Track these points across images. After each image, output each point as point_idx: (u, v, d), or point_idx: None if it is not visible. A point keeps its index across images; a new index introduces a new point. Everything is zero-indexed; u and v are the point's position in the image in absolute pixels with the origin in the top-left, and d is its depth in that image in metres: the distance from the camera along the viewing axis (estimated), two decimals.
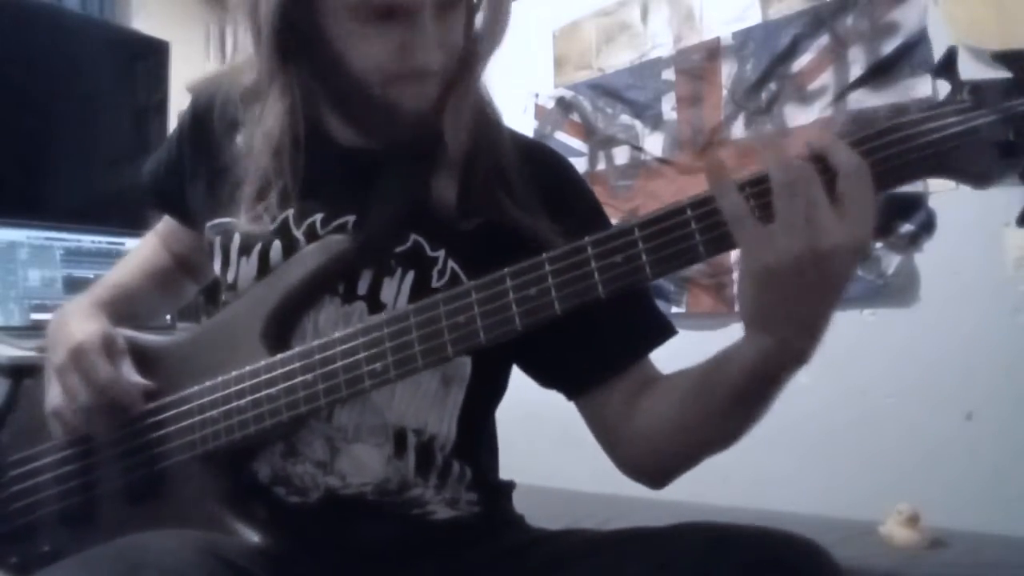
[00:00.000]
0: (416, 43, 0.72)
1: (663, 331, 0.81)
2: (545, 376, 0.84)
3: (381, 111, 0.77)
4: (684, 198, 0.62)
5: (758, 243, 0.57)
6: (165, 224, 1.02)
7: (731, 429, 0.70)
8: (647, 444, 0.75)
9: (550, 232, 0.75)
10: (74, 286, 1.82)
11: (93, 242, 1.90)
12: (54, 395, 0.81)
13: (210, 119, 0.88)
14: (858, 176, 0.56)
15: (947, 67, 0.60)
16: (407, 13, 0.71)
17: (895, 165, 0.58)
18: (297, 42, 0.76)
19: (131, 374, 0.81)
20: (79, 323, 0.84)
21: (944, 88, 0.61)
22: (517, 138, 0.88)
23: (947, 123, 0.58)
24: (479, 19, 0.79)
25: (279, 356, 0.74)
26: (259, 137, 0.80)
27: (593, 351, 0.78)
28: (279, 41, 0.76)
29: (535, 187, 0.82)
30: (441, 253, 0.79)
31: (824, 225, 0.55)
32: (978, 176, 0.59)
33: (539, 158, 0.88)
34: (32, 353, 1.48)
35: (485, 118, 0.83)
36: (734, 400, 0.66)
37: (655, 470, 0.78)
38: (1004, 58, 0.59)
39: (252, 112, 0.82)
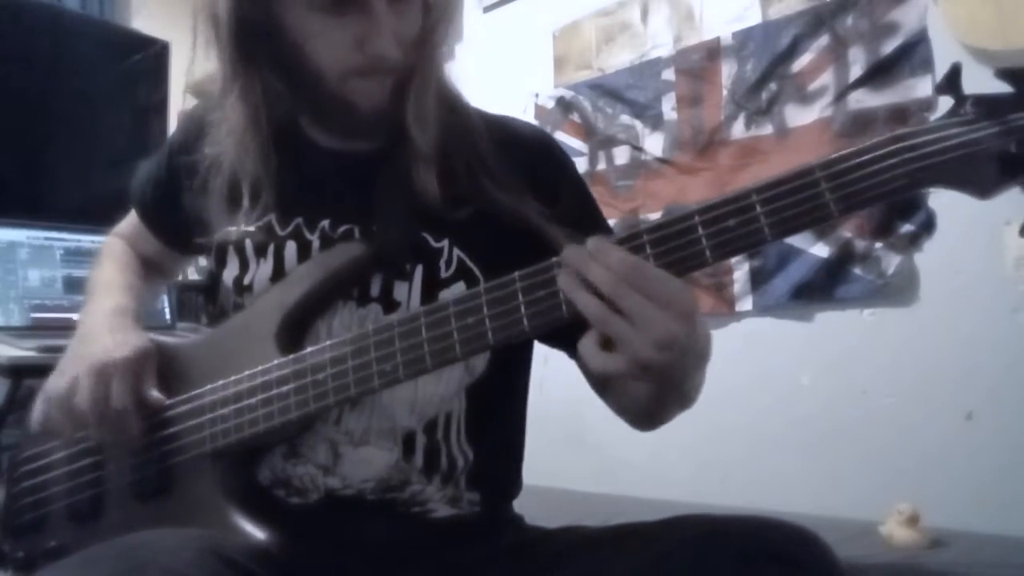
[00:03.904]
0: (372, 34, 0.74)
1: None
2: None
3: (339, 108, 0.78)
4: (693, 204, 0.63)
5: (601, 355, 0.60)
6: (132, 227, 1.03)
7: (675, 401, 0.72)
8: (622, 399, 0.78)
9: (536, 213, 0.77)
10: (74, 286, 1.83)
11: (93, 242, 1.90)
12: (82, 399, 0.79)
13: (202, 132, 0.88)
14: (640, 272, 0.59)
15: (951, 82, 0.62)
16: (362, 3, 0.72)
17: (899, 175, 0.60)
18: (258, 40, 0.77)
19: (151, 390, 0.81)
20: (121, 333, 0.83)
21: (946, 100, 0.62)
22: (488, 118, 0.89)
23: (950, 134, 0.60)
24: (434, 8, 0.80)
25: (291, 356, 0.75)
26: (226, 140, 0.81)
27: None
28: (238, 40, 0.77)
29: (514, 166, 0.83)
30: (445, 243, 0.80)
31: (653, 326, 0.58)
32: (981, 187, 0.60)
33: (512, 135, 0.88)
34: (32, 353, 1.48)
35: (452, 106, 0.84)
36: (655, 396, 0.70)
37: (634, 419, 0.79)
38: (1007, 74, 0.60)
39: (219, 115, 0.82)
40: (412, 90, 0.79)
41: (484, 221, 0.79)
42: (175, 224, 0.93)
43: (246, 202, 0.82)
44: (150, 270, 1.04)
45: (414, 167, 0.80)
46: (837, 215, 0.60)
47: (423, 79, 0.79)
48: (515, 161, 0.83)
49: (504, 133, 0.88)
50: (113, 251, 1.05)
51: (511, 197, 0.80)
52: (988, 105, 0.60)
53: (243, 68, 0.79)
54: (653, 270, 0.60)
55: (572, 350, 0.82)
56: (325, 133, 0.85)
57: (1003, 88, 0.60)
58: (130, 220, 1.04)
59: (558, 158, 0.90)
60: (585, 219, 0.83)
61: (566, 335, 0.82)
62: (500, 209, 0.79)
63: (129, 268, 1.01)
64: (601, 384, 0.80)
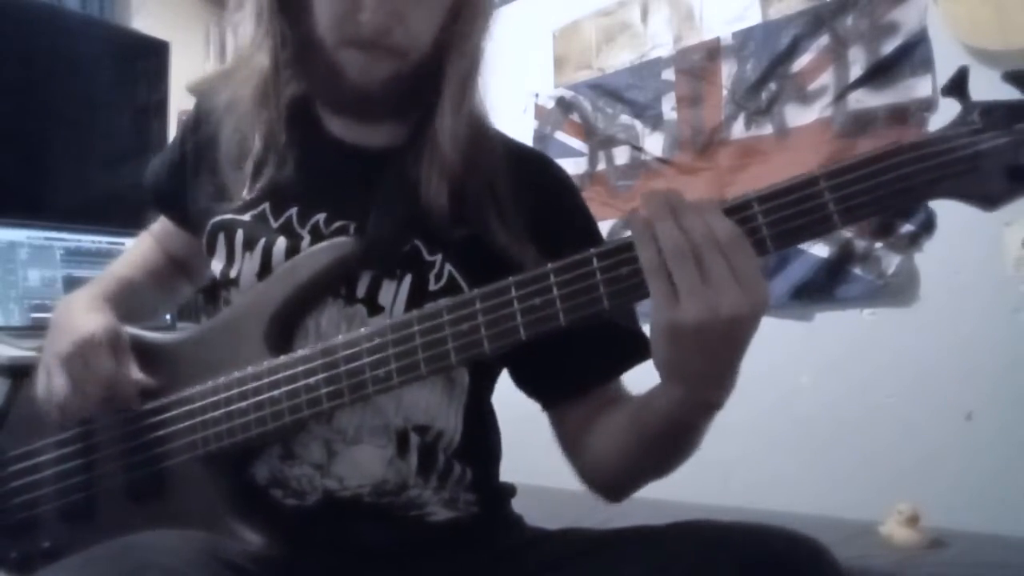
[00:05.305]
0: (366, 4, 0.72)
1: (633, 354, 0.81)
2: (519, 381, 0.85)
3: (330, 78, 0.77)
4: None
5: (667, 300, 0.57)
6: (161, 225, 1.02)
7: (661, 463, 0.73)
8: (596, 461, 0.78)
9: (532, 259, 0.75)
10: (74, 286, 1.80)
11: (93, 242, 1.90)
12: (57, 384, 0.80)
13: (213, 119, 0.88)
14: (737, 244, 0.57)
15: (958, 87, 0.60)
16: None
17: (906, 187, 0.59)
18: None
19: (133, 371, 0.81)
20: (86, 314, 0.84)
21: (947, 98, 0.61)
22: (512, 146, 0.88)
23: (958, 145, 0.58)
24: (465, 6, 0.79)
25: (282, 358, 0.74)
26: (241, 102, 0.81)
27: (563, 368, 0.79)
28: None
29: (525, 199, 0.82)
30: (439, 257, 0.79)
31: (724, 292, 0.56)
32: (987, 199, 0.59)
33: (532, 169, 0.87)
34: (32, 353, 1.48)
35: (479, 129, 0.83)
36: (657, 440, 0.69)
37: (605, 485, 0.80)
38: (1015, 78, 0.59)
39: (242, 66, 0.82)
40: (446, 87, 0.78)
41: (481, 245, 0.79)
42: (192, 203, 0.92)
43: (245, 180, 0.81)
44: (176, 269, 1.03)
45: (427, 173, 0.79)
46: (840, 226, 0.59)
47: (456, 89, 0.79)
48: (529, 197, 0.82)
49: (523, 164, 0.86)
50: (132, 247, 1.04)
51: (511, 240, 0.78)
52: (997, 113, 0.58)
53: (271, 16, 0.78)
54: (748, 246, 0.58)
55: (544, 405, 0.83)
56: (336, 118, 0.84)
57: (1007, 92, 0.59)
58: (160, 219, 1.03)
59: (574, 205, 0.88)
60: None
61: (540, 389, 0.83)
62: (496, 247, 0.78)
63: (135, 264, 1.00)
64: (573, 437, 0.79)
